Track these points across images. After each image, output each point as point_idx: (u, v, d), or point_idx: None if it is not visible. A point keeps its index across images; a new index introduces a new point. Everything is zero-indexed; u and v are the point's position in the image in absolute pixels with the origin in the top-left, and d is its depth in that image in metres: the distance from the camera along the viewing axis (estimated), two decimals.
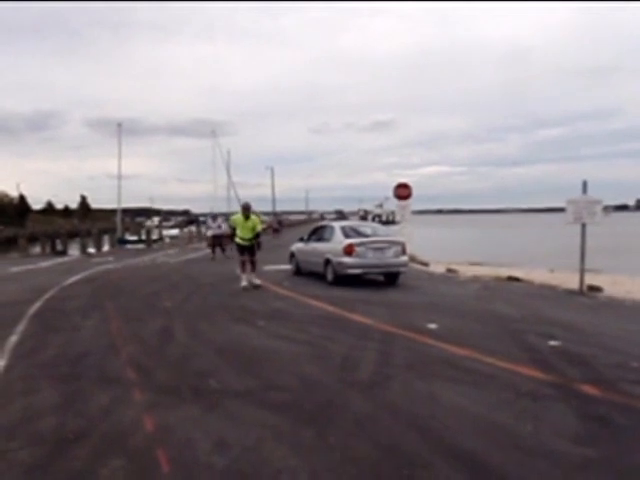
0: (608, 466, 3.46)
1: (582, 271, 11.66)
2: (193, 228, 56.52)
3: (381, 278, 13.49)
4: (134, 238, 45.85)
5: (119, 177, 45.15)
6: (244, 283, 12.44)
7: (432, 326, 7.71)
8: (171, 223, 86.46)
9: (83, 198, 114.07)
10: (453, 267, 17.48)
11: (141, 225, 74.92)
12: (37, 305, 10.74)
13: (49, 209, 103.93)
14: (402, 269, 13.20)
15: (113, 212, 55.23)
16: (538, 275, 15.39)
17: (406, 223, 20.77)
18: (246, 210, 12.74)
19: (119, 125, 45.46)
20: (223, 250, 23.28)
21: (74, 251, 36.38)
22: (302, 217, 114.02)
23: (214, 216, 26.98)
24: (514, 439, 3.81)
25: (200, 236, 44.12)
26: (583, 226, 11.53)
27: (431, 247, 29.58)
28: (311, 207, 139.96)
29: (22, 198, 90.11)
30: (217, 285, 13.59)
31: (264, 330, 7.84)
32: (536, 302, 10.39)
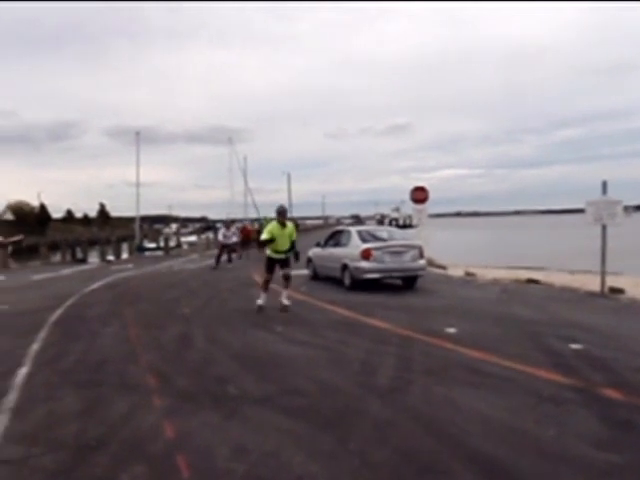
0: (633, 472, 3.40)
1: (603, 273, 11.50)
2: (210, 234, 56.80)
3: (399, 282, 13.44)
4: (152, 245, 46.23)
5: (137, 185, 45.67)
6: (260, 302, 10.14)
7: (451, 330, 7.65)
8: (189, 230, 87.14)
9: (102, 206, 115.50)
10: (471, 270, 17.34)
11: (159, 232, 75.50)
12: (58, 312, 10.87)
13: (69, 217, 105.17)
14: (420, 273, 13.13)
15: (132, 220, 55.84)
16: (558, 277, 15.19)
17: (423, 226, 20.68)
18: (282, 216, 10.26)
19: (137, 134, 46.01)
20: (230, 260, 22.22)
21: (94, 259, 36.79)
22: (319, 222, 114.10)
23: (228, 223, 24.41)
24: (536, 444, 3.76)
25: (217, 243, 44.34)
26: (603, 227, 11.38)
27: (449, 250, 29.38)
28: (327, 212, 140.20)
29: (43, 207, 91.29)
30: (235, 291, 13.64)
31: (282, 335, 7.85)
32: (557, 305, 10.26)
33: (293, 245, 10.50)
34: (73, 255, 36.72)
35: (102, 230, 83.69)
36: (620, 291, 11.52)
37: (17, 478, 3.55)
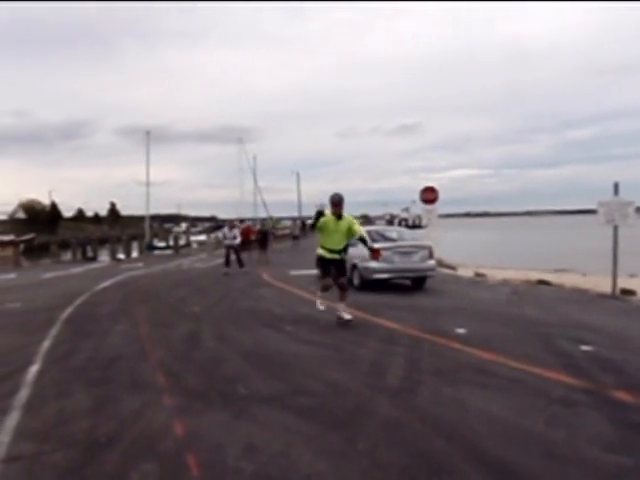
0: None
1: (615, 274, 11.42)
2: (219, 234, 56.95)
3: (408, 283, 13.41)
4: (162, 244, 46.50)
5: (147, 184, 46.01)
6: (321, 307, 9.12)
7: (460, 331, 7.63)
8: (198, 229, 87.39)
9: (112, 205, 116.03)
10: (481, 271, 17.29)
11: (169, 231, 75.84)
12: (69, 310, 10.95)
13: (80, 216, 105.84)
14: (429, 273, 13.11)
15: (142, 218, 56.17)
16: (569, 278, 15.11)
17: (433, 227, 20.63)
18: (337, 206, 8.41)
19: (147, 133, 46.35)
20: (240, 263, 18.95)
21: (104, 257, 37.03)
22: None
23: (231, 223, 20.93)
24: (545, 446, 3.74)
25: None
26: (615, 228, 11.30)
27: (459, 251, 29.30)
28: None
29: (54, 206, 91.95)
30: (245, 290, 13.68)
31: (291, 335, 7.86)
32: (567, 306, 10.20)
33: (364, 241, 8.87)
34: (84, 254, 36.97)
35: (112, 229, 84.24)
36: (632, 293, 11.44)
37: (29, 474, 3.58)
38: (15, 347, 7.68)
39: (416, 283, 13.20)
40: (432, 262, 13.11)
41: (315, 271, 16.43)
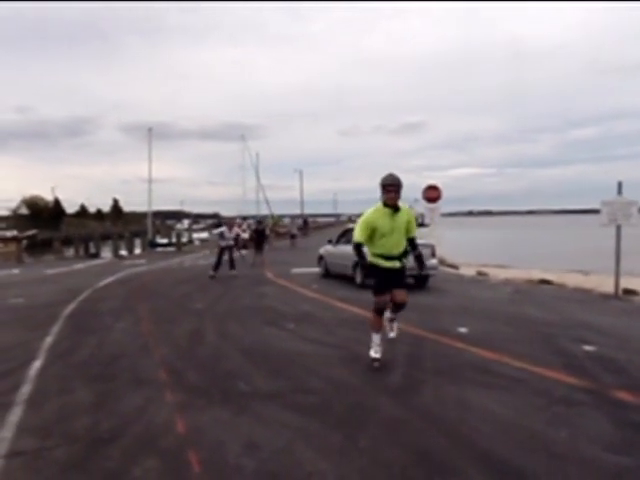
0: None
1: (617, 274, 11.40)
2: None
3: (410, 281, 13.40)
4: (165, 241, 46.64)
5: (150, 181, 46.13)
6: (375, 354, 5.96)
7: (462, 330, 7.63)
8: (201, 226, 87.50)
9: (115, 201, 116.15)
10: (483, 270, 17.27)
11: (171, 228, 75.97)
12: (71, 306, 10.97)
13: (82, 212, 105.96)
14: (431, 272, 13.10)
15: (144, 215, 56.21)
16: (571, 278, 15.08)
17: (435, 225, 20.61)
18: (393, 192, 5.79)
19: (149, 130, 46.42)
20: (232, 264, 16.83)
21: (107, 253, 37.10)
22: (330, 220, 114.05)
23: (231, 223, 18.31)
24: (547, 445, 3.74)
25: None
26: (618, 228, 11.27)
27: (461, 250, 29.30)
28: (339, 210, 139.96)
29: (57, 202, 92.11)
30: (246, 287, 13.69)
31: (293, 332, 7.87)
32: (569, 306, 10.19)
33: (414, 244, 6.18)
34: (86, 250, 37.10)
35: (115, 225, 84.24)
36: (634, 292, 11.42)
37: (31, 470, 3.59)
38: (18, 342, 7.70)
39: (418, 282, 13.19)
40: (434, 261, 13.11)
41: (317, 269, 16.50)
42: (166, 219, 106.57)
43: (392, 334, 6.51)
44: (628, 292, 11.40)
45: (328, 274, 15.30)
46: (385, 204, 5.84)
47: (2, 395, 5.21)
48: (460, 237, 46.97)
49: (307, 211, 74.31)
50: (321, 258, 15.97)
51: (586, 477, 3.32)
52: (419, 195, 21.56)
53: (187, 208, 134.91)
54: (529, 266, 19.96)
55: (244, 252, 21.25)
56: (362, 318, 8.84)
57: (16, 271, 23.52)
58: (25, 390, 5.32)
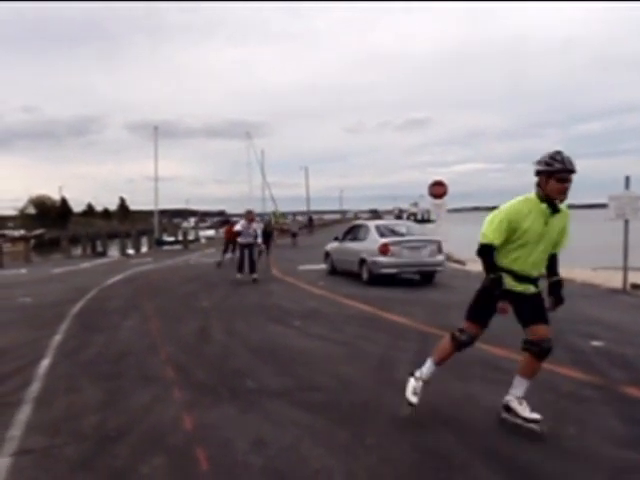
0: None
1: (626, 269, 11.34)
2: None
3: (417, 277, 13.39)
4: (171, 239, 46.75)
5: (156, 179, 46.34)
6: (413, 397, 4.28)
7: None
8: (207, 224, 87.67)
9: (122, 200, 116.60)
10: None
11: (178, 226, 76.17)
12: (79, 305, 11.02)
13: (89, 211, 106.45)
14: (438, 268, 13.08)
15: (151, 214, 56.42)
16: (579, 273, 14.98)
17: (442, 221, 20.56)
18: (568, 184, 3.86)
19: (155, 128, 46.56)
20: (253, 266, 14.31)
21: (113, 252, 37.26)
22: (336, 216, 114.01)
23: (250, 216, 14.91)
24: (555, 441, 3.72)
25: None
26: (626, 222, 11.21)
27: (468, 245, 29.16)
28: (345, 206, 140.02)
29: (64, 201, 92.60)
30: (253, 285, 13.70)
31: (300, 330, 7.87)
32: (577, 301, 10.12)
33: (554, 264, 4.26)
34: (93, 249, 37.25)
35: (122, 224, 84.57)
36: None
37: (40, 467, 3.61)
38: (26, 341, 7.74)
39: (425, 278, 13.18)
40: (441, 257, 13.08)
41: (323, 266, 16.48)
42: (172, 217, 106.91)
43: (534, 415, 3.90)
44: (636, 287, 11.33)
45: (334, 271, 15.30)
46: (545, 198, 3.87)
47: (11, 393, 5.24)
48: (467, 233, 46.80)
49: (313, 208, 74.30)
50: (327, 255, 15.97)
51: (595, 473, 3.30)
52: (425, 191, 21.54)
53: (193, 206, 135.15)
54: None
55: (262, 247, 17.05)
56: (368, 315, 8.85)
57: (24, 270, 23.65)
58: (34, 388, 5.35)
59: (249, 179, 67.06)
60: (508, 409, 4.06)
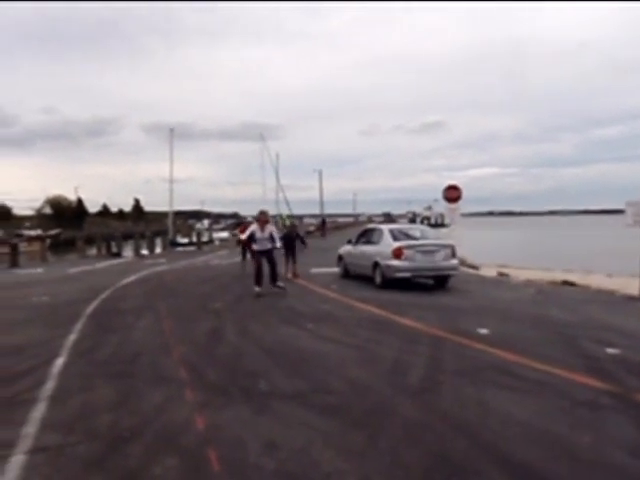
0: None
1: None
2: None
3: (430, 282, 13.33)
4: (185, 240, 47.02)
5: (171, 181, 46.63)
6: None
7: (483, 331, 7.55)
8: (221, 226, 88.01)
9: (137, 201, 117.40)
10: (504, 271, 17.09)
11: (192, 228, 76.56)
12: (94, 305, 11.11)
13: (104, 212, 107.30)
14: (452, 272, 13.00)
15: (165, 215, 56.75)
16: (595, 279, 14.85)
17: (456, 226, 20.47)
18: None
19: (171, 130, 46.86)
20: (274, 277, 12.54)
21: (128, 253, 37.52)
22: (350, 220, 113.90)
23: (264, 218, 12.76)
24: (570, 449, 3.68)
25: None
26: None
27: (482, 250, 29.00)
28: (359, 209, 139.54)
29: (80, 201, 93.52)
30: (266, 287, 13.70)
31: (313, 332, 7.86)
32: (593, 308, 10.03)
33: None
34: (108, 249, 37.50)
35: (136, 225, 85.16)
36: None
37: (54, 466, 3.64)
38: (42, 340, 7.82)
39: (438, 282, 13.10)
40: (455, 261, 13.01)
41: (336, 269, 16.45)
42: (188, 219, 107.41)
43: None
44: None
45: (347, 274, 15.28)
46: None
47: (26, 391, 5.29)
48: (481, 237, 46.53)
49: (327, 211, 74.29)
50: (340, 258, 15.95)
51: None
52: (439, 195, 21.48)
53: (207, 208, 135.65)
54: (551, 267, 19.71)
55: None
56: (381, 319, 8.82)
57: (40, 270, 23.91)
58: (48, 387, 5.40)
59: (263, 181, 67.22)
60: None
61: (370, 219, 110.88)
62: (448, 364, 5.93)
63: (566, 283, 13.61)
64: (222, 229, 74.01)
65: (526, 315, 9.07)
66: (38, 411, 4.68)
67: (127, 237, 47.79)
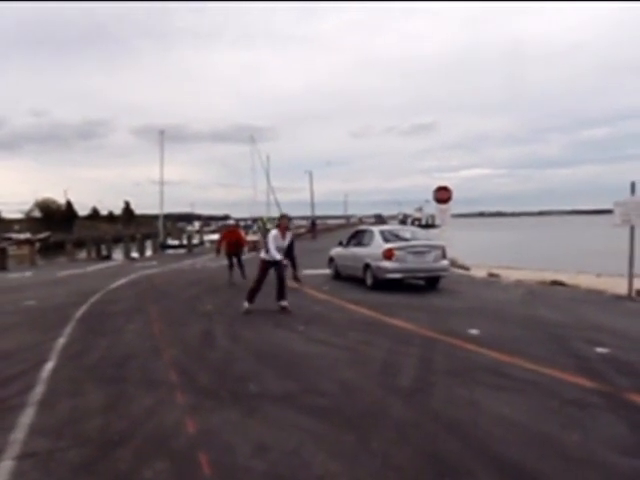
0: None
1: (631, 275, 11.28)
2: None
3: (421, 283, 13.36)
4: (176, 243, 46.83)
5: (161, 183, 46.27)
6: None
7: (474, 332, 7.58)
8: (211, 228, 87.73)
9: (127, 204, 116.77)
10: (495, 271, 17.16)
11: (183, 230, 76.29)
12: (83, 308, 11.03)
13: (94, 215, 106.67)
14: (442, 273, 13.04)
15: (156, 217, 56.44)
16: (584, 279, 14.95)
17: (446, 227, 20.54)
18: None
19: (161, 132, 46.61)
20: (282, 291, 10.26)
21: (118, 256, 37.29)
22: (341, 221, 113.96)
23: (284, 221, 10.59)
24: (560, 449, 3.70)
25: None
26: (632, 228, 11.16)
27: (472, 251, 29.12)
28: (350, 211, 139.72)
29: (69, 204, 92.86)
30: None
31: (303, 334, 7.85)
32: (582, 307, 10.10)
33: None
34: (98, 252, 37.27)
35: (126, 228, 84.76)
36: None
37: (44, 471, 3.61)
38: (31, 344, 7.75)
39: (429, 283, 13.14)
40: (445, 262, 13.04)
41: (328, 271, 16.45)
42: (177, 221, 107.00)
43: None
44: None
45: (339, 276, 15.28)
46: None
47: (15, 396, 5.25)
48: (471, 238, 46.71)
49: (318, 212, 74.09)
50: (332, 260, 15.96)
51: None
52: (430, 196, 21.53)
53: (198, 210, 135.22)
54: (541, 267, 19.82)
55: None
56: (372, 320, 8.82)
57: (29, 273, 23.73)
58: (38, 391, 5.35)
59: (254, 184, 67.03)
60: None
61: (361, 220, 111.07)
62: (439, 365, 5.94)
63: (556, 283, 13.69)
64: (213, 231, 73.76)
65: (516, 315, 9.12)
66: (27, 416, 4.64)
67: (117, 240, 47.56)
